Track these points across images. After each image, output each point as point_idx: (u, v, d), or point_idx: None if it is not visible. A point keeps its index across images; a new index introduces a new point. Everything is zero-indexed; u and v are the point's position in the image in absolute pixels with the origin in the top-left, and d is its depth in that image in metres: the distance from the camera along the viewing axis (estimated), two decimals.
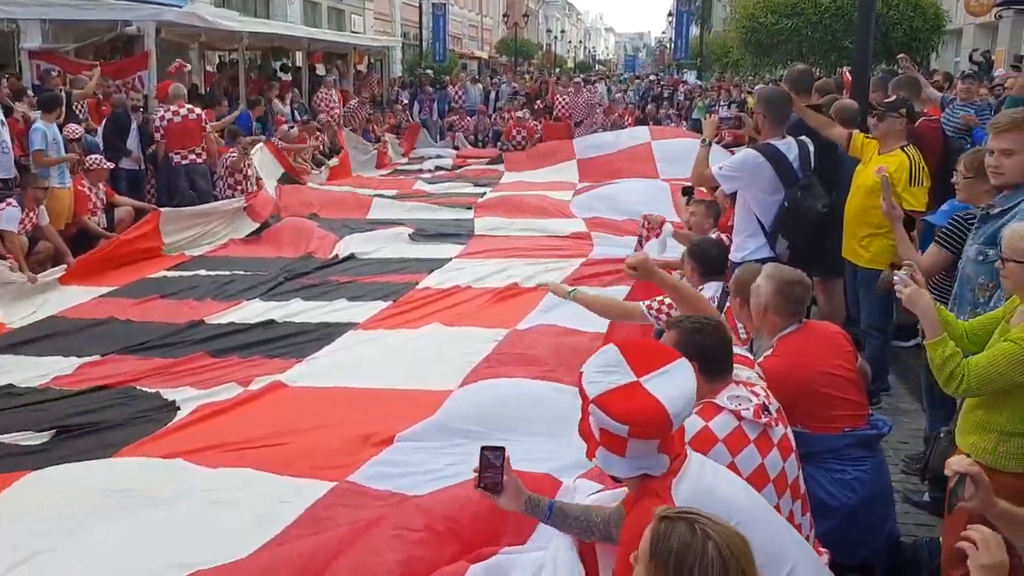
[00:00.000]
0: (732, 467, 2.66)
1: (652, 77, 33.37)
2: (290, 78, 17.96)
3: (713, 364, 2.83)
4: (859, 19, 7.90)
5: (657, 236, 6.36)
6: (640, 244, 6.56)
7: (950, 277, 4.23)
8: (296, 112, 15.65)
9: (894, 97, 5.95)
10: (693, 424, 2.71)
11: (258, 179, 11.26)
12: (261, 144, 12.13)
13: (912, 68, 8.43)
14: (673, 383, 2.28)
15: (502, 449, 2.67)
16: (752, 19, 20.54)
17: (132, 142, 10.50)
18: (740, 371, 2.97)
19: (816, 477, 3.34)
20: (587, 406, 2.29)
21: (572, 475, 3.60)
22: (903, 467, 4.66)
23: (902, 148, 5.34)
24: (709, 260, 4.73)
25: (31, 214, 8.10)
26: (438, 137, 20.47)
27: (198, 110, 10.77)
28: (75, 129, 9.73)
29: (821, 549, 2.86)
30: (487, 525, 3.42)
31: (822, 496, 3.32)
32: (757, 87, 15.10)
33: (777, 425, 2.85)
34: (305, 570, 3.22)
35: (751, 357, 3.25)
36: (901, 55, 9.14)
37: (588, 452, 2.37)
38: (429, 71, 27.19)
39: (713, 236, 5.60)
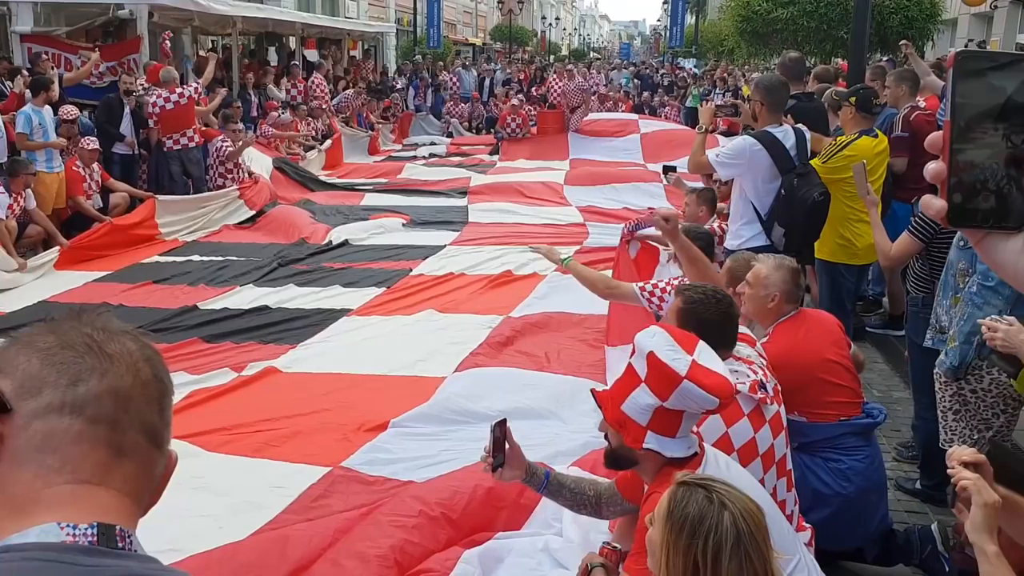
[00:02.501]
0: (725, 437, 2.71)
1: (645, 67, 33.39)
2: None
3: (712, 336, 2.82)
4: (856, 8, 7.89)
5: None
6: (633, 230, 6.48)
7: (928, 267, 4.31)
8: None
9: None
10: None
11: (251, 172, 11.17)
12: (251, 134, 11.99)
13: (913, 55, 8.40)
14: (714, 360, 2.32)
15: (503, 422, 2.64)
16: (747, 7, 20.49)
17: (125, 126, 10.42)
18: (741, 348, 2.99)
19: (812, 467, 3.36)
20: (668, 386, 2.20)
21: (565, 463, 3.62)
22: (895, 455, 4.70)
23: (855, 135, 5.38)
24: None
25: (19, 198, 8.04)
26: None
27: (189, 89, 10.67)
28: (70, 110, 9.65)
29: (805, 524, 2.90)
30: (482, 512, 3.44)
31: (817, 486, 3.34)
32: (753, 75, 15.03)
33: (772, 403, 2.88)
34: (299, 556, 3.23)
35: (752, 336, 3.24)
36: (904, 41, 9.10)
37: (632, 440, 2.28)
38: (441, 62, 26.67)
39: (711, 225, 5.58)
